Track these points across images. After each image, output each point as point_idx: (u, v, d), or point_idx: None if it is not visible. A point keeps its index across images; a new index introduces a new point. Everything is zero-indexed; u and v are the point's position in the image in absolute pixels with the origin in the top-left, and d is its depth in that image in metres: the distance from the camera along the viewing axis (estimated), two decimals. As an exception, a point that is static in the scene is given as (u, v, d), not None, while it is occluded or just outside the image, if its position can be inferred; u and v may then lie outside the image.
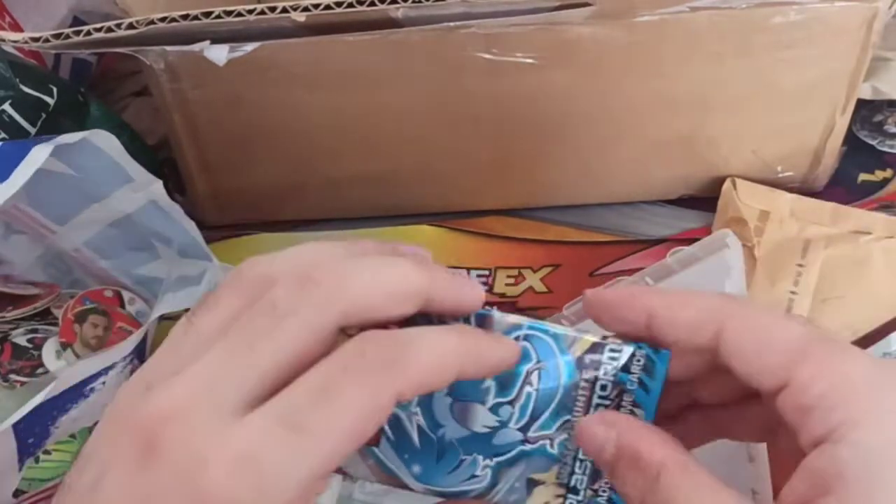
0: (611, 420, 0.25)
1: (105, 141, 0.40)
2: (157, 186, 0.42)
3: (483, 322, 0.26)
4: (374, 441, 0.27)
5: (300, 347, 0.22)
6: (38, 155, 0.36)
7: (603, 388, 0.26)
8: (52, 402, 0.37)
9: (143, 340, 0.42)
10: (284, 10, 0.37)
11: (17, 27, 0.51)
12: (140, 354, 0.42)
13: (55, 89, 0.46)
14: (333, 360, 0.22)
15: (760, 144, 0.49)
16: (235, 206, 0.52)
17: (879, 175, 0.53)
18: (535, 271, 0.50)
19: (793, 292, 0.46)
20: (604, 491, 0.27)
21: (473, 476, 0.27)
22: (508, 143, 0.48)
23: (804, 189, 0.51)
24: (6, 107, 0.43)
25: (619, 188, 0.52)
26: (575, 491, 0.27)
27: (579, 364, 0.26)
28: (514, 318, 0.26)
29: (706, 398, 0.28)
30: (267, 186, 0.51)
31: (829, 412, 0.22)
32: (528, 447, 0.27)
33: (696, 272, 0.41)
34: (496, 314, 0.26)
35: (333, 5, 0.37)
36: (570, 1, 0.40)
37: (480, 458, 0.27)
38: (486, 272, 0.51)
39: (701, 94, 0.46)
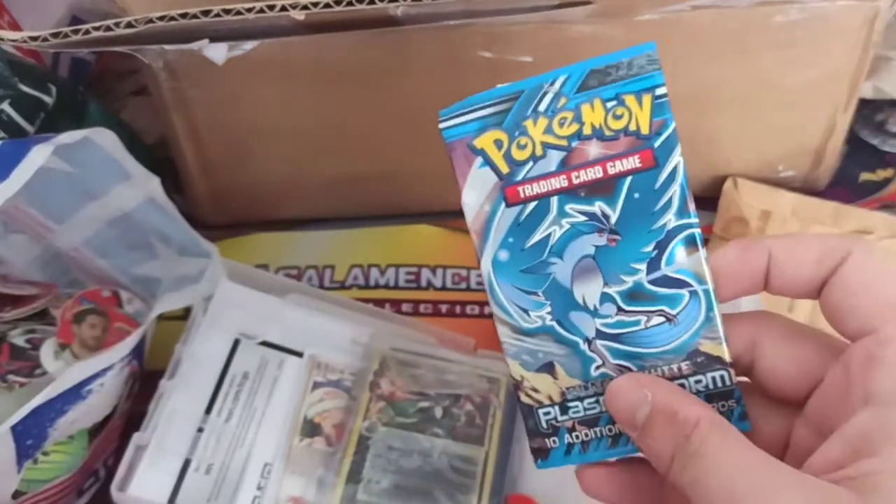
0: (645, 381, 0.25)
1: (104, 138, 0.40)
2: (155, 183, 0.42)
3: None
4: (513, 199, 0.26)
5: None
6: (39, 155, 0.36)
7: (681, 386, 0.26)
8: (50, 404, 0.36)
9: (142, 341, 0.42)
10: (283, 9, 0.37)
11: (15, 26, 0.51)
12: (138, 355, 0.42)
13: (54, 88, 0.46)
14: None
15: (762, 144, 0.49)
16: (234, 205, 0.52)
17: (881, 174, 0.52)
18: (535, 271, 0.49)
19: (794, 292, 0.46)
20: (577, 437, 0.27)
21: (523, 311, 0.26)
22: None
23: (805, 188, 0.50)
24: (5, 106, 0.43)
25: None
26: (564, 409, 0.27)
27: (693, 354, 0.26)
28: (705, 272, 0.25)
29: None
30: (266, 185, 0.51)
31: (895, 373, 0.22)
32: (583, 347, 0.26)
33: None
34: (701, 252, 0.25)
35: (333, 3, 0.37)
36: (571, -1, 0.40)
37: (546, 309, 0.26)
38: (486, 272, 0.51)
39: (702, 94, 0.46)
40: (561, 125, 0.25)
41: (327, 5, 0.37)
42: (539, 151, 0.25)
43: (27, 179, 0.35)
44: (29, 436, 0.36)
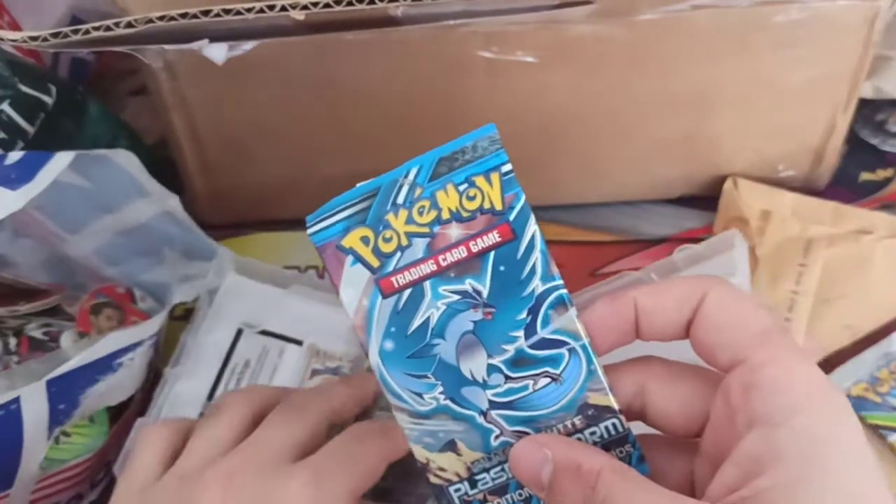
0: (543, 441, 0.26)
1: (125, 158, 0.41)
2: (174, 202, 0.43)
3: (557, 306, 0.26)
4: (388, 290, 0.27)
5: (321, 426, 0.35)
6: (62, 160, 0.37)
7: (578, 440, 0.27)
8: (84, 370, 0.37)
9: (159, 332, 0.42)
10: (283, 9, 0.37)
11: (15, 26, 0.51)
12: (156, 345, 0.43)
13: (54, 88, 0.46)
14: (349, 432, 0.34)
15: (762, 143, 0.49)
16: (234, 205, 0.52)
17: (881, 174, 0.52)
18: (535, 271, 0.49)
19: (794, 292, 0.46)
20: None
21: (417, 395, 0.27)
22: (508, 143, 0.48)
23: (806, 188, 0.50)
24: (5, 106, 0.43)
25: (620, 187, 0.52)
26: (473, 483, 0.27)
27: (583, 408, 0.27)
28: (578, 329, 0.26)
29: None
30: (265, 185, 0.51)
31: (774, 395, 0.23)
32: (479, 420, 0.27)
33: (701, 270, 0.41)
34: (571, 311, 0.26)
35: (333, 3, 0.37)
36: (571, -1, 0.40)
37: (438, 390, 0.27)
38: (487, 272, 0.51)
39: (702, 93, 0.46)
40: (420, 213, 0.26)
41: (327, 5, 0.37)
42: (405, 241, 0.27)
43: (51, 180, 0.36)
44: (62, 399, 0.37)
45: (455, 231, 0.26)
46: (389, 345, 0.27)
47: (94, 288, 0.45)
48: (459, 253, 0.26)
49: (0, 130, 0.43)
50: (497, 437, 0.27)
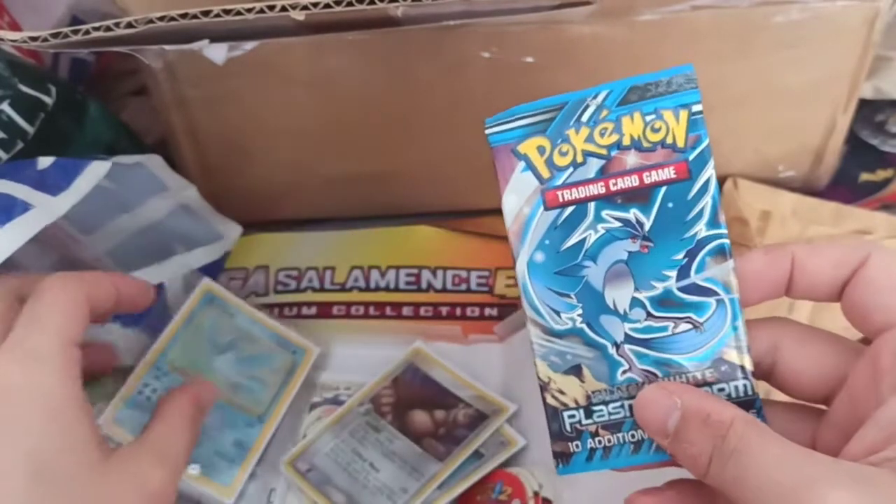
0: (673, 388, 0.26)
1: (154, 162, 0.41)
2: (192, 192, 0.43)
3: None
4: (552, 203, 0.27)
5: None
6: (98, 169, 0.38)
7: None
8: None
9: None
10: (284, 9, 0.37)
11: (15, 26, 0.51)
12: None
13: (54, 89, 0.46)
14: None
15: (762, 144, 0.49)
16: (234, 205, 0.51)
17: (881, 175, 0.52)
18: (535, 271, 0.49)
19: (794, 292, 0.46)
20: (600, 442, 0.27)
21: (555, 312, 0.27)
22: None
23: (806, 189, 0.50)
24: (4, 106, 0.43)
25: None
26: (588, 413, 0.27)
27: (717, 362, 0.26)
28: (732, 282, 0.26)
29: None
30: (266, 186, 0.51)
31: None
32: (611, 351, 0.27)
33: None
34: (730, 262, 0.26)
35: (333, 4, 0.37)
36: (571, -1, 0.40)
37: (577, 312, 0.27)
38: (487, 273, 0.51)
39: (702, 93, 0.46)
40: (602, 135, 0.26)
41: (327, 6, 0.37)
42: (580, 159, 0.26)
43: (91, 188, 0.37)
44: None
45: (632, 158, 0.26)
46: (540, 256, 0.27)
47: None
48: (632, 181, 0.26)
49: (0, 130, 0.43)
50: (624, 371, 0.27)
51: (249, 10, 0.37)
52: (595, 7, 0.40)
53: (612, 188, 0.26)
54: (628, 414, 0.27)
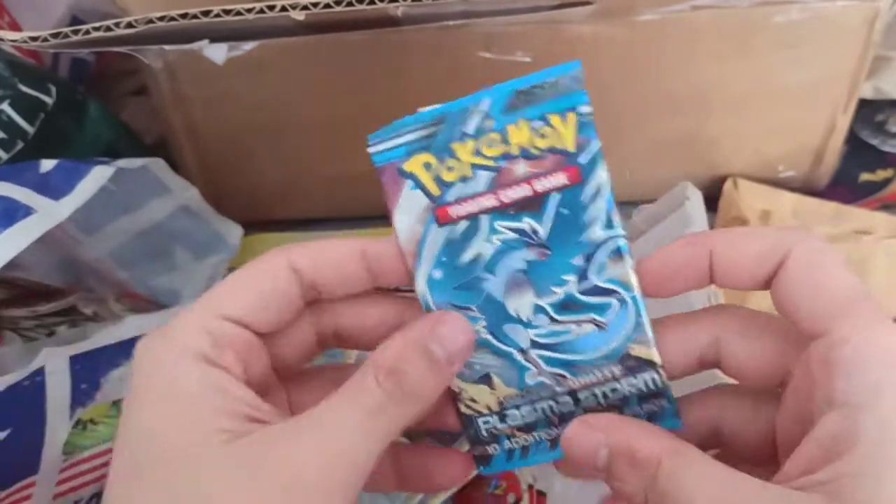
0: (595, 423, 0.25)
1: (158, 165, 0.41)
2: (193, 193, 0.43)
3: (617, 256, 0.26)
4: (444, 219, 0.26)
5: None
6: (101, 174, 0.38)
7: (613, 391, 0.27)
8: (105, 351, 0.38)
9: None
10: (283, 9, 0.37)
11: (15, 26, 0.51)
12: None
13: (54, 89, 0.46)
14: None
15: (762, 144, 0.49)
16: (234, 205, 0.51)
17: (881, 175, 0.52)
18: (535, 271, 0.50)
19: (794, 292, 0.46)
20: (517, 442, 0.27)
21: None
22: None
23: (806, 189, 0.50)
24: (5, 106, 0.43)
25: (620, 188, 0.51)
26: (502, 418, 0.27)
27: (625, 358, 0.26)
28: (632, 280, 0.26)
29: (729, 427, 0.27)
30: (266, 186, 0.51)
31: (857, 373, 0.22)
32: (518, 357, 0.27)
33: (660, 227, 0.41)
34: (627, 261, 0.26)
35: (333, 4, 0.37)
36: (571, -1, 0.40)
37: (481, 324, 0.26)
38: (486, 272, 0.51)
39: (702, 94, 0.46)
40: (489, 146, 0.26)
41: (327, 6, 0.37)
42: (468, 173, 0.26)
43: (94, 192, 0.37)
44: (83, 379, 0.38)
45: (522, 168, 0.25)
46: (438, 274, 0.26)
47: (108, 290, 0.45)
48: (523, 191, 0.26)
49: (0, 130, 0.43)
50: (533, 375, 0.27)
51: (249, 11, 0.37)
52: (595, 7, 0.40)
53: (504, 200, 0.26)
54: (541, 415, 0.27)
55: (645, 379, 0.26)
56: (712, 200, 0.50)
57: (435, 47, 0.43)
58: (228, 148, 0.49)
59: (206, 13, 0.37)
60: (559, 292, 0.26)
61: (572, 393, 0.27)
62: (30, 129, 0.44)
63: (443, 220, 0.26)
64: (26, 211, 0.35)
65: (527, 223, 0.26)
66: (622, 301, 0.26)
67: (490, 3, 0.39)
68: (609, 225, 0.26)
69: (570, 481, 0.39)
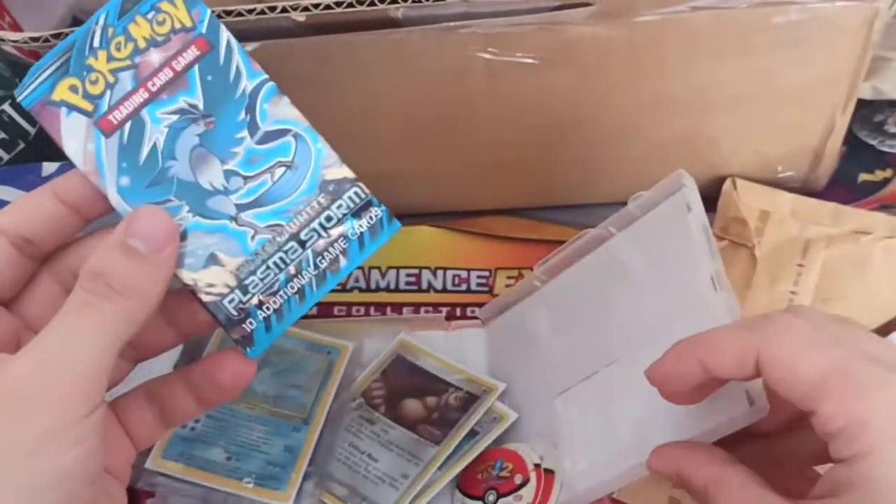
0: (666, 454, 0.31)
1: None
2: None
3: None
4: (108, 128, 0.28)
5: None
6: None
7: (328, 219, 0.28)
8: None
9: None
10: (284, 10, 0.37)
11: (16, 27, 0.51)
12: None
13: (54, 89, 0.46)
14: None
15: (761, 144, 0.49)
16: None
17: (880, 175, 0.53)
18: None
19: (793, 292, 0.46)
20: (268, 308, 0.28)
21: None
22: (508, 143, 0.48)
23: (804, 189, 0.50)
24: (6, 107, 0.43)
25: (619, 188, 0.51)
26: (244, 290, 0.28)
27: (323, 185, 0.28)
28: (295, 114, 0.28)
29: (761, 426, 0.31)
30: (267, 186, 0.51)
31: (849, 443, 0.25)
32: (231, 226, 0.28)
33: (655, 214, 0.41)
34: (284, 98, 0.28)
35: (333, 5, 0.37)
36: (571, 0, 0.40)
37: (185, 210, 0.28)
38: (487, 273, 0.51)
39: (701, 94, 0.46)
40: (118, 49, 0.28)
41: (328, 7, 0.37)
42: (111, 79, 0.28)
43: None
44: None
45: (155, 56, 0.28)
46: (125, 181, 0.28)
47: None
48: (165, 75, 0.28)
49: (1, 131, 0.43)
50: (253, 236, 0.28)
51: (250, 12, 0.37)
52: (595, 8, 0.40)
53: (153, 89, 0.28)
54: (277, 271, 0.28)
55: (349, 196, 0.28)
56: (711, 201, 0.50)
57: (435, 48, 0.43)
58: (229, 148, 0.49)
59: (207, 14, 0.37)
60: (239, 150, 0.28)
61: (295, 237, 0.28)
62: (31, 130, 0.44)
63: (108, 130, 0.28)
64: None
65: (182, 101, 0.28)
66: (297, 136, 0.28)
67: (490, 4, 0.39)
68: (252, 73, 0.28)
69: (579, 458, 0.40)
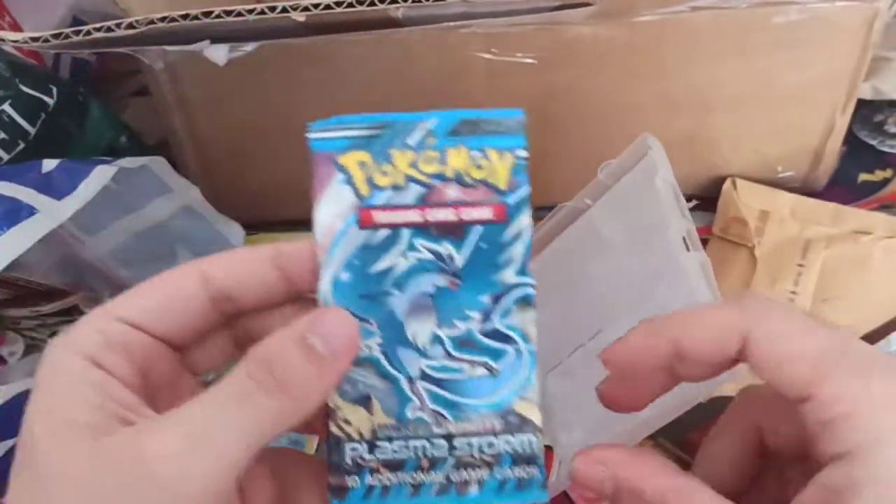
0: (599, 457, 0.25)
1: (159, 164, 0.41)
2: (195, 193, 0.43)
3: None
4: (366, 223, 0.26)
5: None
6: (104, 173, 0.38)
7: (489, 444, 0.26)
8: None
9: None
10: (284, 10, 0.37)
11: (16, 27, 0.51)
12: None
13: (55, 89, 0.46)
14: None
15: (761, 144, 0.49)
16: (235, 206, 0.52)
17: (880, 175, 0.53)
18: (535, 271, 0.50)
19: (793, 292, 0.46)
20: (379, 479, 0.26)
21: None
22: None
23: (804, 189, 0.50)
24: (6, 107, 0.43)
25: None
26: (372, 448, 0.26)
27: (507, 412, 0.26)
28: (532, 333, 0.26)
29: (774, 442, 0.27)
30: (267, 186, 0.51)
31: (849, 432, 0.22)
32: (404, 385, 0.26)
33: (625, 181, 0.41)
34: (532, 313, 0.26)
35: (333, 5, 0.37)
36: (571, 1, 0.40)
37: (376, 339, 0.26)
38: (486, 272, 0.51)
39: (701, 94, 0.46)
40: (426, 162, 0.26)
41: (328, 7, 0.37)
42: (401, 182, 0.26)
43: (96, 192, 0.37)
44: None
45: (453, 192, 0.26)
46: (346, 276, 0.26)
47: (100, 293, 0.45)
48: (448, 215, 0.26)
49: (1, 131, 0.43)
50: (415, 409, 0.26)
51: (250, 11, 0.37)
52: (595, 8, 0.40)
53: (429, 218, 0.26)
54: (412, 455, 0.26)
55: (522, 440, 0.26)
56: (711, 201, 0.50)
57: (435, 49, 0.43)
58: (229, 148, 0.49)
59: (207, 14, 0.37)
60: (461, 327, 0.26)
61: (449, 437, 0.26)
62: (31, 130, 0.44)
63: (365, 223, 0.26)
64: (29, 211, 0.35)
65: (445, 247, 0.26)
66: (518, 352, 0.26)
67: (490, 5, 0.39)
68: (523, 271, 0.26)
69: (575, 430, 0.40)
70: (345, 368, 0.25)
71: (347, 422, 0.26)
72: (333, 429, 0.26)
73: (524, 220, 0.26)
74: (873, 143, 0.53)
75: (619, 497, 0.25)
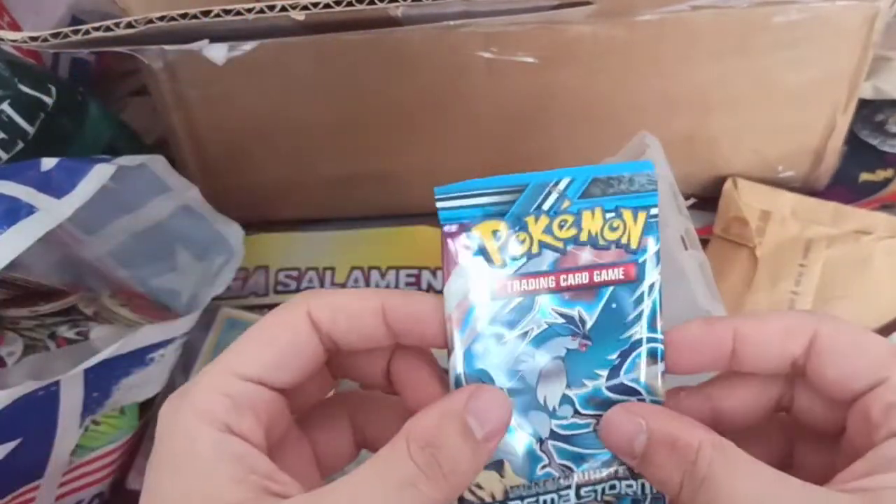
0: (637, 410, 0.25)
1: (157, 163, 0.41)
2: (194, 193, 0.43)
3: None
4: (500, 293, 0.25)
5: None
6: (103, 172, 0.37)
7: (612, 487, 0.26)
8: (120, 360, 0.38)
9: (189, 333, 0.43)
10: (284, 9, 0.37)
11: (15, 26, 0.51)
12: (184, 347, 0.43)
13: (54, 89, 0.46)
14: None
15: (761, 144, 0.49)
16: (235, 205, 0.51)
17: (881, 175, 0.52)
18: (535, 271, 0.50)
19: (794, 292, 0.46)
20: None
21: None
22: (508, 143, 0.48)
23: (805, 189, 0.50)
24: (5, 106, 0.43)
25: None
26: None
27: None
28: (659, 390, 0.26)
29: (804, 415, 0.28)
30: (266, 186, 0.51)
31: None
32: (534, 446, 0.26)
33: None
34: (659, 366, 0.26)
35: (333, 4, 0.37)
36: (571, -1, 0.40)
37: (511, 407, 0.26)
38: (486, 272, 0.50)
39: (701, 94, 0.46)
40: (560, 227, 0.25)
41: (327, 6, 0.37)
42: (535, 249, 0.25)
43: (96, 191, 0.37)
44: (96, 388, 0.37)
45: (586, 255, 0.25)
46: (479, 346, 0.25)
47: (100, 293, 0.45)
48: (581, 279, 0.25)
49: (0, 130, 0.43)
50: (544, 466, 0.26)
51: (249, 11, 0.37)
52: (595, 7, 0.40)
53: (563, 283, 0.25)
54: None
55: (643, 483, 0.26)
56: (712, 201, 0.50)
57: (435, 47, 0.43)
58: (228, 148, 0.49)
59: (206, 13, 0.37)
60: (589, 385, 0.26)
61: (577, 488, 0.26)
62: (30, 130, 0.44)
63: (499, 293, 0.25)
64: (29, 210, 0.35)
65: (577, 311, 0.26)
66: (643, 402, 0.26)
67: (490, 3, 0.39)
68: (652, 327, 0.26)
69: None
70: (494, 448, 0.24)
71: (479, 486, 0.26)
72: (467, 495, 0.26)
73: (653, 275, 0.26)
74: (874, 142, 0.53)
75: (650, 452, 0.24)
